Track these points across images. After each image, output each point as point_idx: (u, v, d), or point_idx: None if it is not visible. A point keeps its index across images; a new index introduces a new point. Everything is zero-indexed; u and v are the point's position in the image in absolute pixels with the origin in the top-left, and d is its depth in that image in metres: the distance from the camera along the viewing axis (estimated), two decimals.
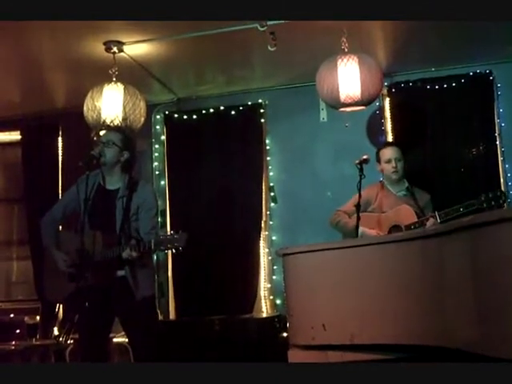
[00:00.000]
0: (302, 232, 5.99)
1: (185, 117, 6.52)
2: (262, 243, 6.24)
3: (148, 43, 5.02)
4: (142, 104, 5.13)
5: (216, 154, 6.37)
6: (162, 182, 6.51)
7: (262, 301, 6.18)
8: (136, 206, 3.96)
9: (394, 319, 3.12)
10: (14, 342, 5.87)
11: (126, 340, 5.01)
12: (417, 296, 3.00)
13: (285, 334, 5.17)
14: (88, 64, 5.29)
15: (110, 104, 4.98)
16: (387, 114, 6.09)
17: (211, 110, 6.44)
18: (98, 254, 3.81)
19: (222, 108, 6.42)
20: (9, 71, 5.53)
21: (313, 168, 6.18)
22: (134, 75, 5.39)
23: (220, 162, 6.36)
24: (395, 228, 4.66)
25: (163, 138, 6.62)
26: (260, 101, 6.37)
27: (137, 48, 5.09)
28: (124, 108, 4.99)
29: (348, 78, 4.61)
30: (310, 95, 5.41)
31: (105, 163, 3.97)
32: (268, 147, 6.36)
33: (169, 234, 3.77)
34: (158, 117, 6.62)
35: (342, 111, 4.91)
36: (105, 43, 4.95)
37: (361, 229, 4.64)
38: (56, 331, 6.19)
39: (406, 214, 4.68)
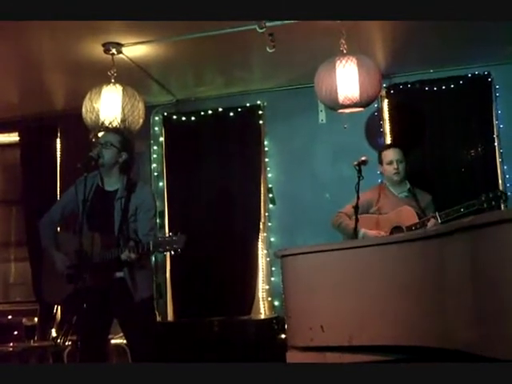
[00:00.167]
0: (300, 233, 5.99)
1: (183, 118, 6.52)
2: (260, 245, 6.24)
3: (147, 45, 5.03)
4: (141, 105, 5.13)
5: (214, 156, 6.37)
6: (161, 184, 6.52)
7: (261, 302, 6.19)
8: (134, 207, 3.96)
9: (394, 320, 3.11)
10: (11, 344, 5.87)
11: (124, 341, 5.02)
12: (417, 297, 2.99)
13: (283, 336, 5.17)
14: (87, 65, 5.29)
15: (108, 105, 4.98)
16: (386, 115, 6.10)
17: (210, 112, 6.44)
18: (96, 255, 3.81)
19: (220, 109, 6.42)
20: (7, 72, 5.53)
21: (311, 169, 6.19)
22: (132, 77, 5.39)
23: (218, 163, 6.36)
24: (397, 229, 4.66)
25: (162, 139, 6.62)
26: (258, 102, 6.37)
27: (135, 49, 5.09)
28: (123, 109, 4.99)
29: (346, 79, 4.61)
30: (309, 97, 5.41)
31: (103, 164, 3.96)
32: (266, 149, 6.36)
33: (167, 235, 3.76)
34: (156, 118, 6.62)
35: (341, 113, 4.91)
36: (103, 45, 4.95)
37: (362, 230, 4.67)
38: (54, 333, 6.18)
39: (408, 215, 4.69)
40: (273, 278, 6.11)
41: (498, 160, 5.75)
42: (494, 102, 5.82)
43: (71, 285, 3.82)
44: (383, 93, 5.95)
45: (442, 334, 2.78)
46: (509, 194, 5.26)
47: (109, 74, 5.06)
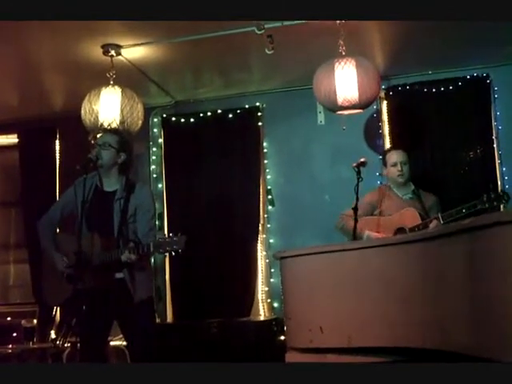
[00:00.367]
0: (299, 235, 5.98)
1: (182, 120, 6.52)
2: (259, 246, 6.24)
3: (145, 46, 5.03)
4: (140, 107, 5.13)
5: (213, 158, 6.37)
6: (160, 185, 6.52)
7: (260, 304, 6.19)
8: (134, 207, 3.96)
9: (393, 322, 3.11)
10: (10, 346, 5.87)
11: (123, 343, 5.02)
12: (416, 299, 2.99)
13: (282, 337, 5.16)
14: (86, 67, 5.29)
15: (107, 107, 4.99)
16: (384, 117, 6.10)
17: (209, 114, 6.44)
18: (96, 256, 3.80)
19: (219, 111, 6.43)
20: (6, 74, 5.53)
21: (310, 171, 6.19)
22: (131, 78, 5.40)
23: (217, 165, 6.36)
24: (400, 231, 4.66)
25: (161, 141, 6.62)
26: (257, 104, 6.37)
27: (134, 51, 5.09)
28: (121, 111, 4.99)
29: (345, 81, 4.61)
30: (308, 98, 5.41)
31: (102, 165, 3.96)
32: (265, 150, 6.36)
33: (167, 236, 3.75)
34: (155, 120, 6.62)
35: (340, 114, 4.91)
36: (102, 46, 4.95)
37: (366, 232, 4.69)
38: (53, 334, 6.18)
39: (410, 217, 4.69)
40: (272, 280, 6.11)
41: (497, 161, 5.76)
42: (493, 103, 5.83)
43: (71, 286, 3.82)
44: (382, 94, 5.95)
45: (440, 336, 2.78)
46: None
47: (108, 75, 5.07)
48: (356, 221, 4.42)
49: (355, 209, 4.40)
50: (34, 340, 6.04)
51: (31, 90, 5.96)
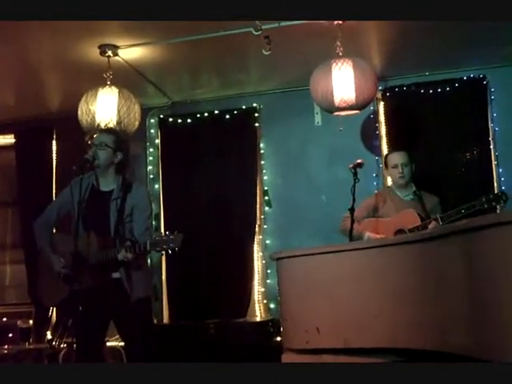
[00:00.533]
0: (296, 236, 5.98)
1: (179, 121, 6.52)
2: (256, 247, 6.24)
3: (143, 47, 5.03)
4: (137, 108, 5.13)
5: (210, 158, 6.37)
6: (156, 186, 6.51)
7: (256, 305, 6.19)
8: (130, 207, 3.95)
9: (390, 323, 3.11)
10: (6, 346, 5.85)
11: (120, 344, 5.02)
12: (413, 300, 2.99)
13: (279, 338, 5.17)
14: (83, 67, 5.29)
15: (104, 108, 4.98)
16: (381, 118, 6.11)
17: (206, 114, 6.45)
18: (92, 256, 3.80)
19: (216, 112, 6.43)
20: (3, 74, 5.52)
21: (307, 172, 6.19)
22: (128, 79, 5.40)
23: (214, 166, 6.36)
24: (400, 232, 4.67)
25: (157, 141, 6.62)
26: (254, 105, 6.38)
27: (131, 52, 5.09)
28: (118, 112, 4.99)
29: (342, 82, 4.62)
30: (305, 99, 5.41)
31: (98, 165, 3.96)
32: (262, 151, 6.36)
33: (164, 234, 3.74)
34: (152, 120, 6.62)
35: (337, 115, 4.92)
36: (99, 47, 4.95)
37: (367, 234, 4.68)
38: (49, 335, 6.17)
39: (410, 218, 4.69)
40: (268, 281, 6.11)
41: (494, 162, 5.76)
42: (490, 104, 5.84)
43: (67, 287, 3.82)
44: (379, 95, 5.96)
45: (439, 337, 2.78)
46: None
47: (105, 76, 5.07)
48: (353, 222, 4.43)
49: (351, 210, 4.41)
50: (30, 340, 6.02)
51: (28, 90, 5.95)
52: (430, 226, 4.54)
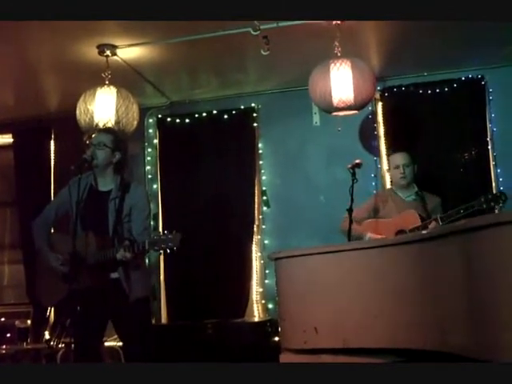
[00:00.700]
0: (294, 236, 5.98)
1: (178, 120, 6.52)
2: (254, 247, 6.24)
3: (141, 47, 5.03)
4: (135, 107, 5.13)
5: (209, 158, 6.37)
6: (155, 186, 6.51)
7: (254, 305, 6.18)
8: (129, 207, 3.95)
9: (389, 323, 3.11)
10: (4, 346, 5.85)
11: (118, 343, 5.01)
12: (412, 300, 2.99)
13: (277, 338, 5.16)
14: (81, 67, 5.28)
15: (102, 107, 4.98)
16: (380, 118, 6.11)
17: (204, 114, 6.45)
18: (91, 255, 3.80)
19: (214, 112, 6.43)
20: (2, 74, 5.51)
21: (305, 172, 6.19)
22: (126, 78, 5.39)
23: (213, 166, 6.35)
24: (401, 233, 4.67)
25: (156, 141, 6.62)
26: (253, 105, 6.38)
27: (130, 51, 5.09)
28: (117, 111, 4.99)
29: (341, 82, 4.62)
30: (303, 99, 5.40)
31: (97, 165, 3.96)
32: (261, 151, 6.36)
33: (163, 234, 3.74)
34: (150, 120, 6.62)
35: (335, 115, 4.92)
36: (98, 46, 4.95)
37: (368, 234, 4.70)
38: (47, 335, 6.17)
39: (411, 219, 4.70)
40: (267, 281, 6.11)
41: (492, 163, 5.77)
42: (488, 105, 5.84)
43: (66, 286, 3.81)
44: (377, 96, 5.96)
45: (438, 337, 2.78)
46: None
47: (103, 75, 5.06)
48: (351, 222, 4.44)
49: (350, 210, 4.41)
50: (28, 341, 6.03)
51: (26, 90, 5.95)
52: (430, 227, 4.55)
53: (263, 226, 6.27)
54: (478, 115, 5.82)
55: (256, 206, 6.27)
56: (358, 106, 4.75)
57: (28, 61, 5.26)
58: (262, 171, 6.34)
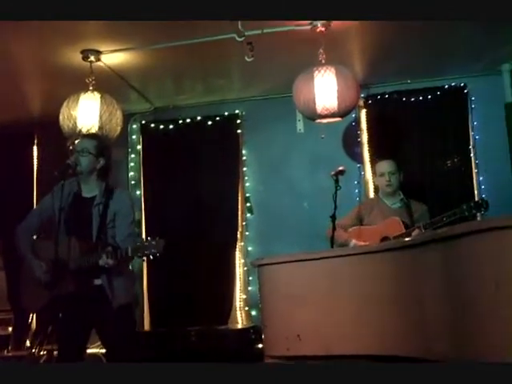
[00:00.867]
0: (277, 243, 5.98)
1: (161, 126, 6.51)
2: (237, 254, 6.24)
3: (125, 52, 5.01)
4: (119, 113, 5.11)
5: (192, 165, 6.36)
6: (138, 192, 6.49)
7: (238, 312, 6.18)
8: (113, 213, 3.92)
9: (371, 330, 3.12)
10: None
11: (101, 350, 4.98)
12: (395, 307, 3.00)
13: (260, 345, 5.16)
14: (65, 72, 5.26)
15: (86, 113, 4.96)
16: (363, 125, 6.14)
17: (188, 120, 6.44)
18: (73, 261, 3.76)
19: (198, 118, 6.43)
20: None
21: (289, 179, 6.20)
22: (110, 84, 5.37)
23: (196, 172, 6.34)
24: (385, 240, 4.68)
25: (139, 147, 6.61)
26: (237, 111, 6.38)
27: (114, 57, 5.07)
28: (100, 117, 4.97)
29: (325, 89, 4.63)
30: (287, 106, 5.41)
31: (81, 172, 3.93)
32: (244, 158, 6.37)
33: (146, 240, 3.72)
34: (134, 126, 6.61)
35: (319, 122, 4.93)
36: (82, 52, 4.93)
37: (353, 242, 4.70)
38: (28, 342, 6.11)
39: (395, 226, 4.71)
40: (250, 288, 6.11)
41: (474, 170, 5.81)
42: (470, 113, 5.90)
43: (49, 292, 3.78)
44: (361, 103, 5.99)
45: (422, 344, 2.79)
46: None
47: (87, 81, 5.04)
48: (334, 229, 4.44)
49: (333, 217, 4.42)
50: (9, 348, 5.97)
51: (9, 95, 5.89)
52: (413, 234, 4.56)
53: (246, 233, 6.27)
54: (461, 123, 5.87)
55: (239, 212, 6.28)
56: (342, 113, 4.76)
57: (11, 65, 5.22)
58: (246, 178, 6.34)
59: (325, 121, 4.89)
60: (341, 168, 4.53)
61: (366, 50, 5.26)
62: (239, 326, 6.03)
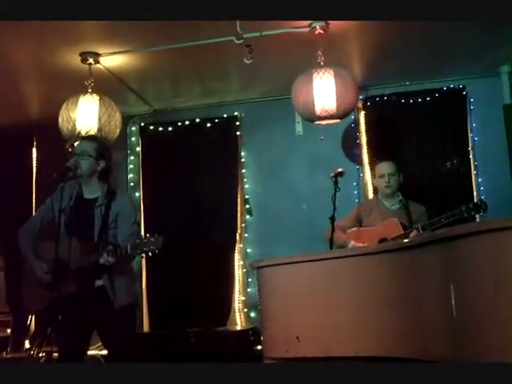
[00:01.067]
0: (276, 244, 5.98)
1: (160, 129, 6.51)
2: (236, 255, 6.24)
3: (124, 55, 5.02)
4: (118, 115, 5.12)
5: (191, 167, 6.36)
6: (137, 194, 6.49)
7: (237, 313, 6.18)
8: (115, 213, 3.92)
9: (370, 332, 3.12)
10: None
11: (100, 352, 4.97)
12: (394, 308, 3.00)
13: (259, 347, 5.15)
14: (64, 75, 5.26)
15: (85, 115, 4.97)
16: (362, 127, 6.14)
17: (187, 122, 6.45)
18: (74, 261, 3.76)
19: (197, 120, 6.43)
20: None
21: (288, 181, 6.21)
22: (109, 86, 5.38)
23: (195, 174, 6.35)
24: (383, 241, 4.68)
25: (138, 149, 6.61)
26: (236, 113, 6.39)
27: (113, 59, 5.08)
28: (99, 119, 4.97)
29: (323, 91, 4.64)
30: (286, 108, 5.42)
31: (81, 175, 3.92)
32: (243, 160, 6.37)
33: (145, 237, 3.72)
34: (133, 128, 6.61)
35: (318, 124, 4.94)
36: (81, 54, 4.93)
37: (351, 243, 4.70)
38: (27, 344, 6.11)
39: (393, 228, 4.70)
40: (249, 289, 6.11)
41: (473, 172, 5.82)
42: (469, 115, 5.90)
43: (51, 294, 3.78)
44: (360, 105, 6.00)
45: (420, 345, 2.79)
46: None
47: (86, 83, 5.05)
48: (333, 230, 4.44)
49: (332, 219, 4.42)
50: (8, 350, 5.97)
51: (8, 97, 5.90)
52: (411, 235, 4.57)
53: (246, 235, 6.27)
54: (460, 125, 5.88)
55: (239, 214, 6.28)
56: (341, 114, 4.77)
57: (10, 67, 5.22)
58: (245, 180, 6.34)
59: (324, 122, 4.89)
60: (340, 170, 4.53)
61: (365, 51, 5.27)
62: (238, 328, 6.03)
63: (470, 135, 5.88)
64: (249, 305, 6.12)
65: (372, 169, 5.21)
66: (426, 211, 4.93)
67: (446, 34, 4.82)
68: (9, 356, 5.88)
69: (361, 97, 5.80)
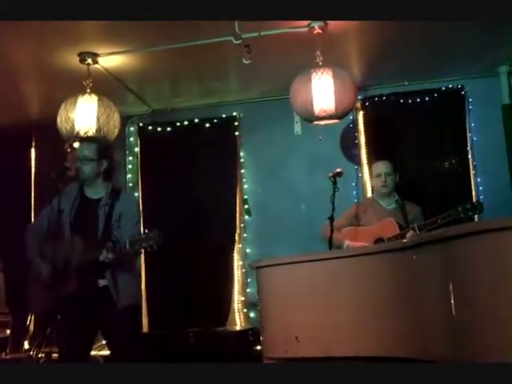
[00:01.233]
0: (275, 245, 5.98)
1: (159, 129, 6.51)
2: (235, 256, 6.24)
3: (123, 55, 5.02)
4: (116, 116, 5.11)
5: (190, 167, 6.36)
6: (136, 194, 6.48)
7: (236, 314, 6.17)
8: (118, 213, 3.92)
9: (369, 332, 3.12)
10: None
11: (99, 353, 4.97)
12: (393, 308, 3.00)
13: (259, 347, 5.15)
14: (62, 75, 5.26)
15: (83, 115, 4.96)
16: (361, 127, 6.15)
17: (185, 123, 6.45)
18: (76, 260, 3.76)
19: (196, 120, 6.43)
20: None
21: (287, 181, 6.21)
22: (108, 87, 5.37)
23: (194, 174, 6.34)
24: (379, 241, 4.68)
25: (137, 149, 6.61)
26: (234, 113, 6.39)
27: (111, 60, 5.08)
28: (98, 120, 4.97)
29: (322, 91, 4.64)
30: (285, 108, 5.40)
31: (85, 180, 3.94)
32: (242, 160, 6.37)
33: (143, 233, 3.73)
34: (131, 129, 6.61)
35: (316, 124, 4.93)
36: (79, 54, 4.93)
37: (346, 242, 4.70)
38: (27, 345, 6.10)
39: (389, 227, 4.71)
40: (248, 290, 6.11)
41: (472, 172, 5.82)
42: (468, 115, 5.90)
43: (55, 294, 3.77)
44: (358, 105, 6.00)
45: (420, 345, 2.79)
46: None
47: (84, 83, 5.04)
48: (332, 231, 4.44)
49: (331, 219, 4.42)
50: (7, 350, 5.96)
51: (7, 97, 5.89)
52: (407, 235, 4.57)
53: (245, 235, 6.27)
54: (458, 125, 5.89)
55: (238, 214, 6.28)
56: (339, 115, 4.77)
57: (8, 68, 5.22)
58: (244, 180, 6.34)
59: (322, 122, 4.89)
60: (338, 170, 4.53)
61: (364, 51, 5.27)
62: (237, 328, 6.03)
63: (468, 135, 5.88)
64: (248, 305, 6.12)
65: (370, 169, 5.21)
66: (422, 212, 4.94)
67: (445, 34, 4.83)
68: (8, 357, 5.87)
69: (359, 97, 5.81)
